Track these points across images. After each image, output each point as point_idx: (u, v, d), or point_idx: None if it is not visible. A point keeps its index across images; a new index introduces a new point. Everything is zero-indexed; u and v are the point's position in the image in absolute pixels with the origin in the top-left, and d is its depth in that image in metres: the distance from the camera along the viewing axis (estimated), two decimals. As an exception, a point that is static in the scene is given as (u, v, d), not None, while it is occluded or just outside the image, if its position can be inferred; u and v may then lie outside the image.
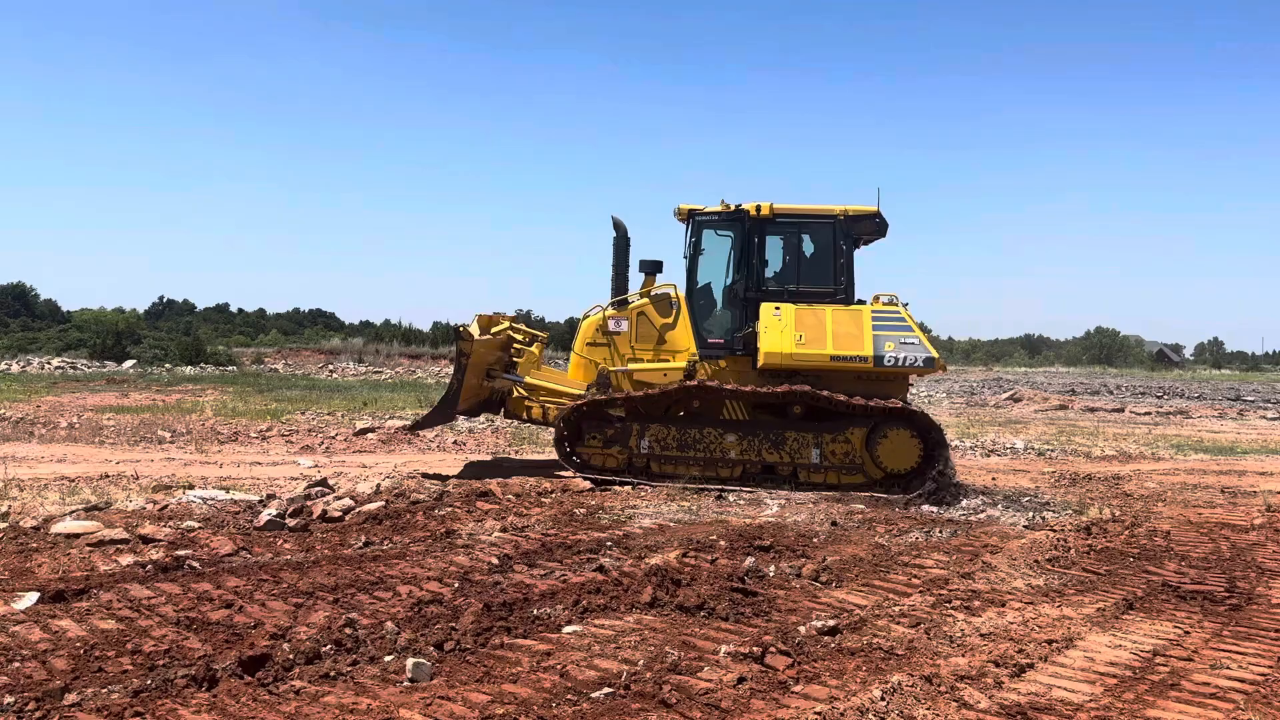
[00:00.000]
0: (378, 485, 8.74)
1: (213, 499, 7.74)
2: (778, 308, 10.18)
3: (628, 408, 10.11)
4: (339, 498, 8.10)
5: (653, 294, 10.92)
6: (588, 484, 9.49)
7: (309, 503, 7.90)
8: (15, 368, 35.34)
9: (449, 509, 8.11)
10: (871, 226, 10.56)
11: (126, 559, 6.23)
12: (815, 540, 7.31)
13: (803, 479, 9.87)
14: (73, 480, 9.63)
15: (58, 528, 6.80)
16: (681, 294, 10.85)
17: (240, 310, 77.50)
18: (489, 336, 10.77)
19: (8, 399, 20.75)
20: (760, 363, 10.03)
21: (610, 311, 10.98)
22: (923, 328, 10.25)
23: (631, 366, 10.72)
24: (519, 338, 11.51)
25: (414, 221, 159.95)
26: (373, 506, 7.89)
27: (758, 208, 10.55)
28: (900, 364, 9.81)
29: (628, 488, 9.60)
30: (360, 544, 6.96)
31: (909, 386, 10.45)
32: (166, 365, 37.05)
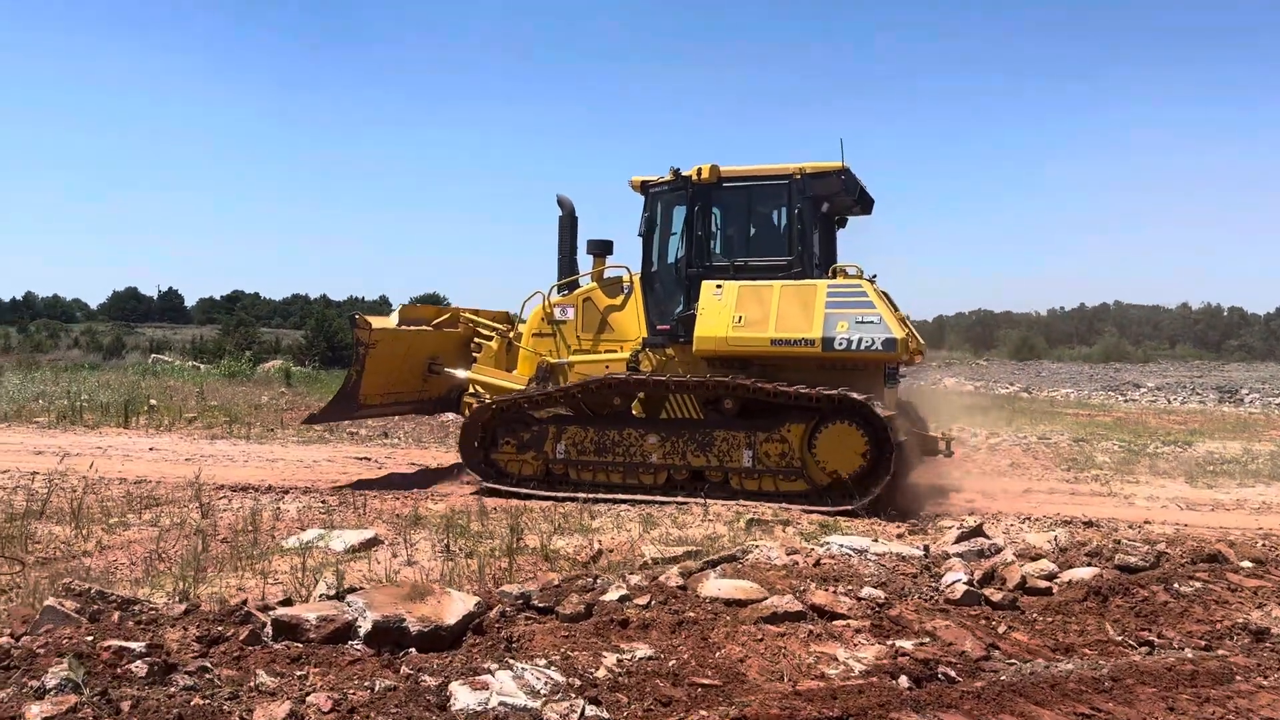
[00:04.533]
0: (1054, 538, 6.37)
1: (866, 550, 5.76)
2: (719, 285, 8.88)
3: (536, 406, 9.07)
4: (1028, 557, 5.84)
5: (602, 277, 9.86)
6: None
7: (986, 560, 5.72)
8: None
9: (1194, 583, 5.55)
10: (837, 185, 8.98)
11: (836, 650, 4.35)
12: None
13: (735, 486, 8.51)
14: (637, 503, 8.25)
15: (708, 589, 5.09)
16: (636, 276, 9.61)
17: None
18: (418, 328, 10.18)
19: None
20: (694, 349, 8.82)
21: (556, 298, 9.97)
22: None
23: (573, 358, 9.73)
24: (486, 332, 10.70)
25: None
26: (1084, 574, 5.54)
27: (699, 171, 9.20)
28: (853, 347, 8.31)
29: None
30: (1128, 639, 4.65)
31: (886, 375, 8.74)
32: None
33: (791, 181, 8.95)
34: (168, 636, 4.17)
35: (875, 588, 5.22)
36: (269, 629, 4.36)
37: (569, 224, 10.13)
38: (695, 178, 9.19)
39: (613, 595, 4.98)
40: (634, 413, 9.03)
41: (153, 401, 16.58)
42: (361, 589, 4.75)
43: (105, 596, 4.46)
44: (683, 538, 6.90)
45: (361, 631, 4.35)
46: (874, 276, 8.96)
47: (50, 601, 4.12)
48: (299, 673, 3.93)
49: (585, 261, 10.17)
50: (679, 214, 9.48)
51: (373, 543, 6.51)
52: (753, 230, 9.33)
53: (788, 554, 5.81)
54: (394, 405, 10.60)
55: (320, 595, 4.74)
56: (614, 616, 4.76)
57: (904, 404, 9.95)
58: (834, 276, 8.78)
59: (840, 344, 8.29)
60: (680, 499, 8.31)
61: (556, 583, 5.20)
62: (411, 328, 10.15)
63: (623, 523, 7.43)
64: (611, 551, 6.55)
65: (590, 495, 8.48)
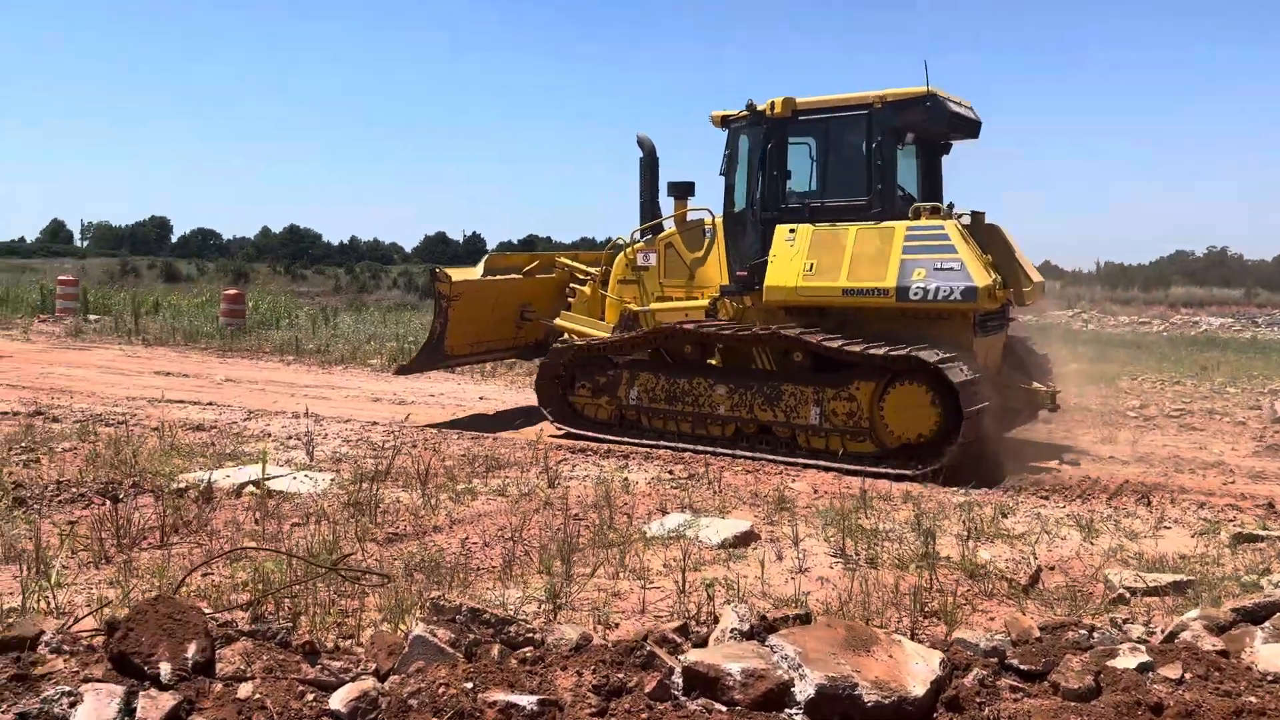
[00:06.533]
0: None
1: None
2: (793, 229, 8.27)
3: (589, 353, 9.04)
4: None
5: (684, 221, 9.52)
6: None
7: None
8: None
9: None
10: (922, 113, 8.05)
11: None
12: None
13: (801, 444, 7.99)
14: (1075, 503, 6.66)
15: (1265, 660, 3.52)
16: (718, 219, 9.18)
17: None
18: (506, 278, 10.26)
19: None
20: (764, 299, 8.36)
21: (639, 244, 9.66)
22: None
23: (654, 306, 9.41)
24: (581, 277, 10.43)
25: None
26: None
27: (772, 104, 8.53)
28: (929, 297, 7.54)
29: None
30: None
31: (977, 324, 7.85)
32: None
33: (871, 111, 8.20)
34: (559, 684, 3.24)
35: None
36: (677, 677, 3.34)
37: (650, 165, 9.67)
38: (769, 112, 8.54)
39: (1127, 661, 3.53)
40: (713, 362, 8.67)
41: (472, 345, 16.69)
42: (786, 630, 3.61)
43: (478, 616, 3.61)
44: (1143, 554, 5.29)
45: (800, 697, 3.22)
46: (963, 215, 8.36)
47: (419, 631, 3.29)
48: (735, 761, 2.85)
49: (668, 205, 9.73)
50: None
51: (749, 537, 5.43)
52: (830, 168, 8.71)
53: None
54: (486, 354, 10.90)
55: (731, 631, 3.65)
56: (1139, 696, 3.34)
57: (1019, 346, 9.13)
58: (916, 217, 7.97)
59: (915, 294, 7.61)
60: (745, 453, 7.99)
61: (1036, 634, 3.82)
62: (498, 277, 10.26)
63: (1049, 525, 5.90)
64: (1053, 569, 5.09)
65: (654, 443, 8.39)
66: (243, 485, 6.33)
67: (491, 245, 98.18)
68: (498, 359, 11.59)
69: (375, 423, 9.15)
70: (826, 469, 7.54)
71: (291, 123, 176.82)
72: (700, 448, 8.17)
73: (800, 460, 7.74)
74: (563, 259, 10.86)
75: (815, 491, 6.80)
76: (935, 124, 8.31)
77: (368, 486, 6.19)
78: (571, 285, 10.55)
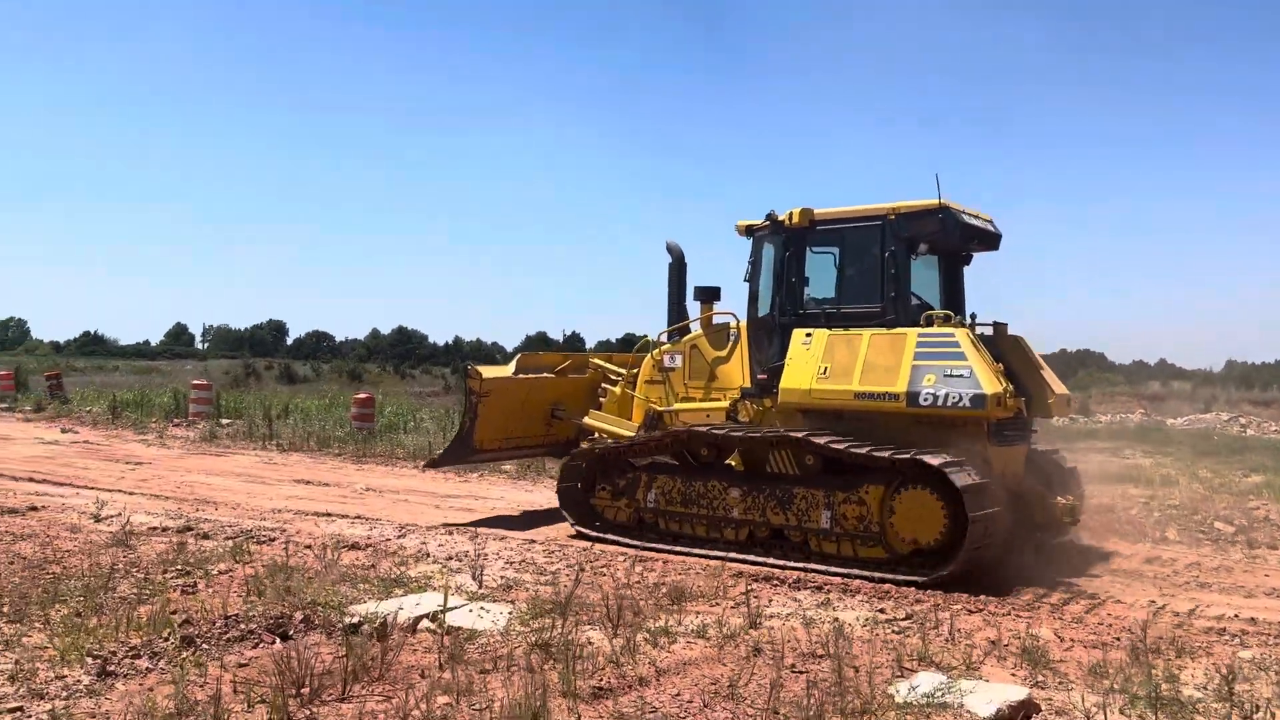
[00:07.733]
0: None
1: None
2: (809, 334, 8.38)
3: (609, 455, 9.05)
4: None
5: (710, 324, 9.56)
6: None
7: None
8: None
9: None
10: (934, 225, 8.25)
11: None
12: None
13: (813, 548, 7.87)
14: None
15: None
16: (742, 324, 9.26)
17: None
18: (536, 376, 10.39)
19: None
20: (779, 400, 8.36)
21: (665, 345, 9.81)
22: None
23: (677, 406, 9.39)
24: (613, 377, 10.52)
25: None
26: None
27: (791, 215, 8.73)
28: (938, 403, 7.50)
29: None
30: None
31: (992, 432, 7.77)
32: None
33: (885, 222, 8.35)
34: None
35: None
36: None
37: (678, 270, 9.98)
38: (788, 222, 8.75)
39: None
40: (732, 463, 8.58)
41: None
42: None
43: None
44: None
45: None
46: (975, 325, 8.47)
47: None
48: None
49: (695, 309, 9.97)
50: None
51: (1027, 707, 4.54)
52: (845, 275, 8.85)
53: None
54: (516, 450, 11.01)
55: None
56: None
57: (1042, 459, 8.81)
58: (928, 324, 8.03)
59: (925, 399, 7.57)
60: (755, 559, 7.91)
61: None
62: (529, 375, 10.37)
63: None
64: None
65: (662, 547, 8.35)
66: (418, 619, 5.74)
67: (591, 344, 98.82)
68: (528, 455, 11.83)
69: (533, 541, 8.55)
70: (839, 574, 7.43)
71: (400, 228, 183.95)
72: (713, 552, 8.08)
73: (814, 566, 7.61)
74: (596, 360, 11.04)
75: (1062, 640, 5.86)
76: (948, 235, 8.46)
77: (554, 624, 5.54)
78: (603, 385, 10.68)
